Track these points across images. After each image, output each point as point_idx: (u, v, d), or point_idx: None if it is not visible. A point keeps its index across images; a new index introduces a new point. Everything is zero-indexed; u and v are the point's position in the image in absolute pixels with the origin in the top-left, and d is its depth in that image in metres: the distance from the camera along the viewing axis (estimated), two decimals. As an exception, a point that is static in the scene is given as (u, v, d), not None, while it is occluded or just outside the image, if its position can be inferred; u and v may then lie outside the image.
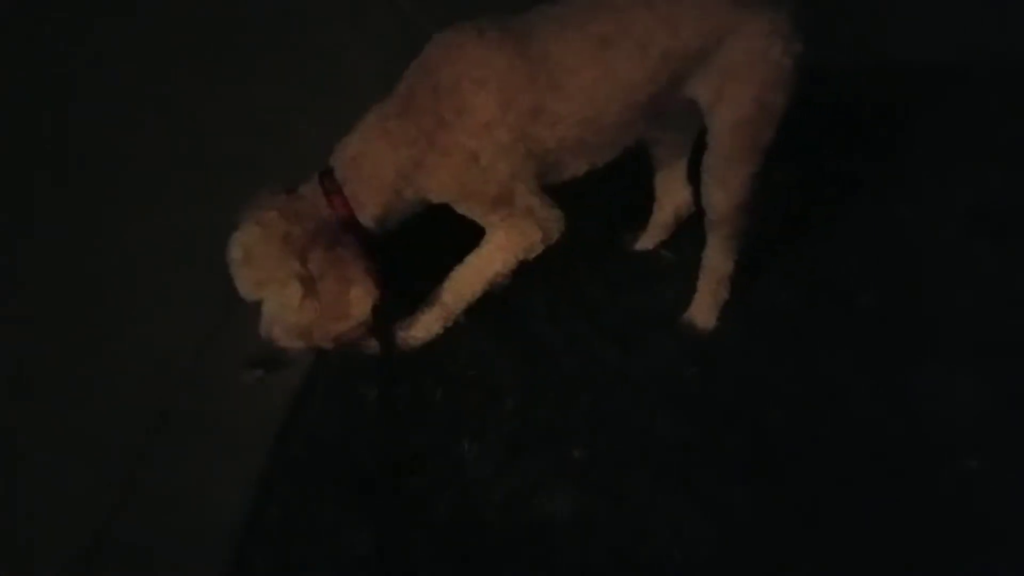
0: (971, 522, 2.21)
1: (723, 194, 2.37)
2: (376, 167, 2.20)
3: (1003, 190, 3.05)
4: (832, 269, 2.81)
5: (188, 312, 2.61)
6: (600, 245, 2.85)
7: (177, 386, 2.47)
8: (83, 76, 3.44)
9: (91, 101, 3.37)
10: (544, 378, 2.46)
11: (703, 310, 2.60)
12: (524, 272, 2.33)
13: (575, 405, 2.42)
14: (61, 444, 2.35)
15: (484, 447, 2.31)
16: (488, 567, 2.09)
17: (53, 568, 2.13)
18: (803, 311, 2.68)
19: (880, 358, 2.56)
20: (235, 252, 2.16)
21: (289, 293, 2.12)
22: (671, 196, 2.76)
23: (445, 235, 2.37)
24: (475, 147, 2.17)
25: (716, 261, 2.52)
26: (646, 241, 2.86)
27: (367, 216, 2.23)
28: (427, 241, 2.49)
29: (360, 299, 2.15)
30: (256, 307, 2.17)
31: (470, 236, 2.34)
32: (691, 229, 2.50)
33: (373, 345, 2.28)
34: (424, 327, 2.40)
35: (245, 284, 2.17)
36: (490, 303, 2.39)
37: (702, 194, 2.42)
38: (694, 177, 2.52)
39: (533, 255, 2.32)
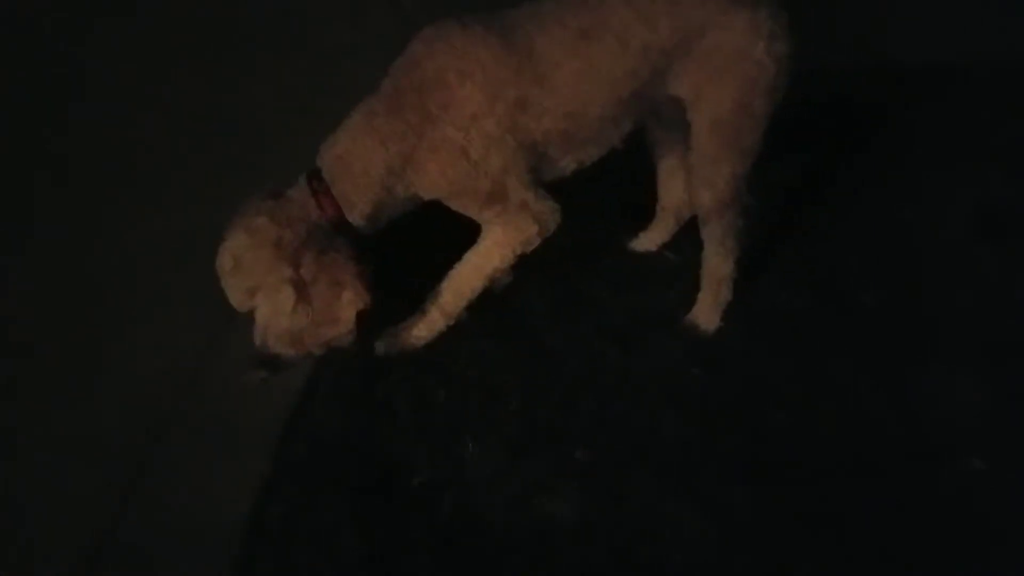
0: (972, 522, 2.20)
1: (707, 192, 2.36)
2: (365, 165, 2.19)
3: (1004, 190, 3.06)
4: (833, 269, 2.81)
5: (190, 313, 2.61)
6: (602, 245, 2.85)
7: (179, 387, 2.47)
8: (83, 76, 3.44)
9: (91, 101, 3.38)
10: (546, 379, 2.46)
11: (704, 312, 2.59)
12: (526, 272, 2.34)
13: (577, 406, 2.41)
14: (63, 445, 2.35)
15: (486, 448, 2.30)
16: (490, 568, 2.08)
17: (55, 569, 2.13)
18: (805, 311, 2.67)
19: (882, 358, 2.55)
20: (225, 261, 2.15)
21: (282, 299, 2.11)
22: (672, 197, 2.75)
23: (441, 233, 2.38)
24: (464, 141, 2.17)
25: (713, 262, 2.52)
26: (648, 242, 2.85)
27: (357, 215, 2.22)
28: (424, 240, 2.50)
29: (351, 303, 2.15)
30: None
31: (466, 234, 2.34)
32: (694, 230, 2.50)
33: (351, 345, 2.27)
34: (426, 327, 2.42)
35: (236, 293, 2.17)
36: (492, 304, 2.39)
37: (688, 193, 2.43)
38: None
39: (531, 248, 2.32)
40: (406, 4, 3.78)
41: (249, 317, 2.19)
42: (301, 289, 2.11)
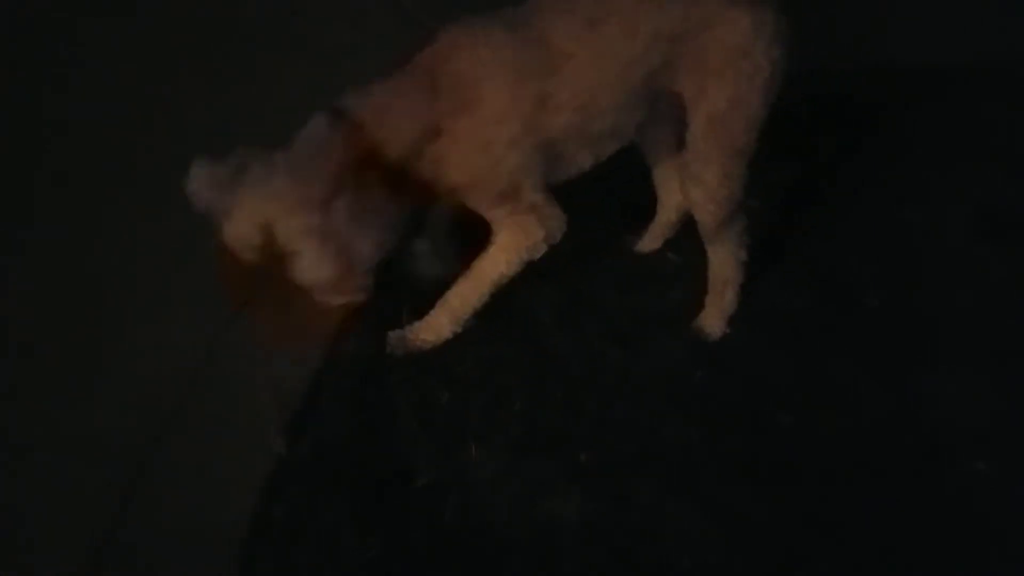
0: (973, 523, 2.21)
1: (697, 190, 2.36)
2: (399, 124, 2.14)
3: (1005, 190, 3.05)
4: (834, 270, 2.81)
5: (192, 312, 2.61)
6: (603, 246, 2.85)
7: (180, 387, 2.46)
8: (83, 76, 3.44)
9: (91, 101, 3.37)
10: (548, 380, 2.46)
11: (709, 316, 2.60)
12: (530, 274, 2.34)
13: (581, 408, 2.41)
14: (63, 445, 2.35)
15: (489, 450, 2.30)
16: (493, 569, 2.09)
17: (55, 570, 2.12)
18: (805, 312, 2.68)
19: (883, 359, 2.55)
20: (246, 233, 2.06)
21: (312, 250, 2.03)
22: (671, 195, 2.76)
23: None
24: (488, 137, 2.16)
25: (715, 266, 2.53)
26: (650, 242, 2.85)
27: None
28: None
29: (384, 243, 2.10)
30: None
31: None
32: (695, 230, 2.50)
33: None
34: (434, 330, 2.41)
35: (263, 260, 2.08)
36: (496, 305, 2.39)
37: (682, 193, 2.46)
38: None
39: (537, 255, 2.32)
40: (406, 4, 3.77)
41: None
42: (330, 237, 2.03)
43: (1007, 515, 2.21)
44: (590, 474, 2.26)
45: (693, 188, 2.37)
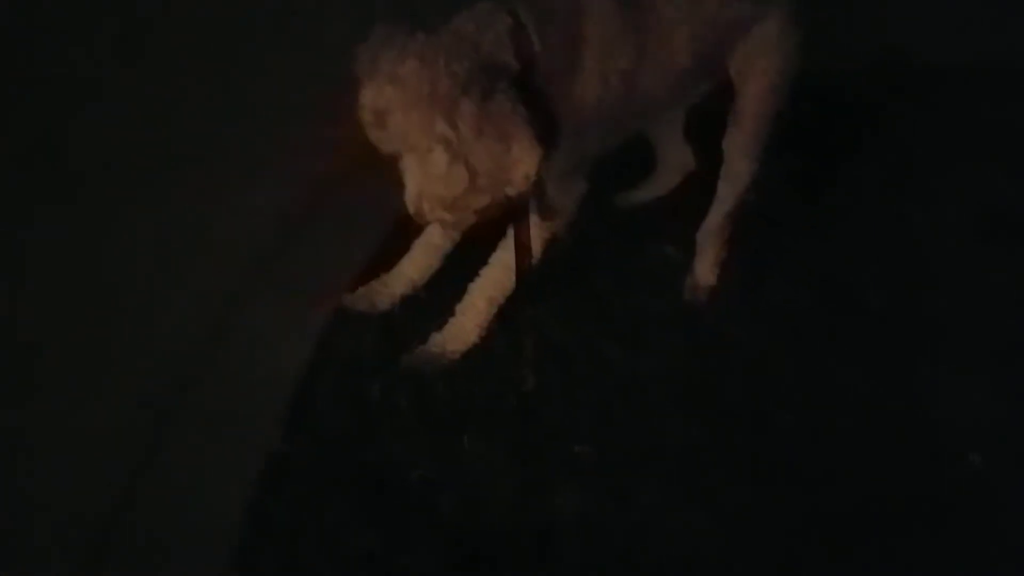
0: (975, 522, 2.21)
1: (745, 163, 2.52)
2: (554, 32, 2.01)
3: (1007, 190, 3.09)
4: (836, 270, 2.82)
5: (191, 309, 2.59)
6: (604, 241, 2.84)
7: (179, 386, 2.45)
8: (83, 75, 3.43)
9: (91, 101, 3.37)
10: (548, 377, 2.44)
11: (706, 270, 2.67)
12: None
13: (580, 403, 2.40)
14: (63, 444, 2.33)
15: (487, 444, 2.29)
16: (490, 564, 2.08)
17: (55, 569, 2.11)
18: (807, 311, 2.69)
19: (885, 359, 2.57)
20: (366, 115, 1.91)
21: (434, 160, 1.84)
22: (675, 155, 2.82)
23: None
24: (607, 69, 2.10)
25: (722, 225, 2.62)
26: (637, 196, 2.90)
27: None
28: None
29: (524, 159, 1.87)
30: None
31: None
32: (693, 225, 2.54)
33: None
34: (461, 338, 2.37)
35: (383, 145, 1.94)
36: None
37: (724, 166, 2.55)
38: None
39: (557, 235, 2.28)
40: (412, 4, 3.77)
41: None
42: (457, 148, 1.83)
43: (1007, 514, 2.21)
44: (588, 471, 2.25)
45: (742, 160, 2.51)
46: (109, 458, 2.30)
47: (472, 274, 2.39)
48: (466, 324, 2.35)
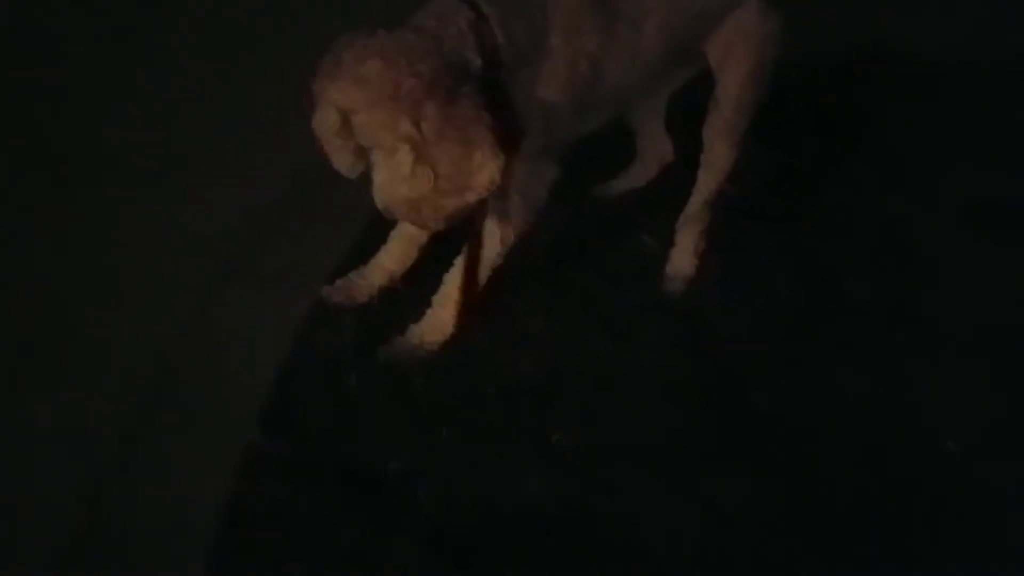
0: (969, 517, 2.18)
1: (726, 146, 2.49)
2: (517, 25, 2.00)
3: (1004, 189, 3.07)
4: (830, 266, 2.81)
5: (170, 303, 2.60)
6: (586, 233, 2.84)
7: (156, 381, 2.44)
8: (82, 75, 3.47)
9: (90, 100, 3.40)
10: (527, 367, 2.43)
11: (684, 259, 2.65)
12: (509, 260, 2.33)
13: (560, 394, 2.39)
14: (39, 440, 2.32)
15: (464, 433, 2.27)
16: (468, 553, 2.06)
17: (32, 566, 2.11)
18: (799, 305, 2.67)
19: (878, 353, 2.55)
20: (327, 118, 1.89)
21: (399, 161, 1.84)
22: (654, 145, 2.81)
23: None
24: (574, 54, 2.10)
25: (701, 214, 2.61)
26: (615, 187, 2.90)
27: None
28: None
29: (486, 166, 1.86)
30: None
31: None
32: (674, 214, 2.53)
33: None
34: (439, 328, 2.36)
35: (342, 155, 1.95)
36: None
37: (704, 153, 2.53)
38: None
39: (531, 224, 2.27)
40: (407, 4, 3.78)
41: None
42: (421, 148, 1.82)
43: (1000, 509, 2.19)
44: (567, 458, 2.23)
45: (722, 142, 2.50)
46: (85, 453, 2.30)
47: (450, 265, 2.38)
48: (443, 315, 2.34)
